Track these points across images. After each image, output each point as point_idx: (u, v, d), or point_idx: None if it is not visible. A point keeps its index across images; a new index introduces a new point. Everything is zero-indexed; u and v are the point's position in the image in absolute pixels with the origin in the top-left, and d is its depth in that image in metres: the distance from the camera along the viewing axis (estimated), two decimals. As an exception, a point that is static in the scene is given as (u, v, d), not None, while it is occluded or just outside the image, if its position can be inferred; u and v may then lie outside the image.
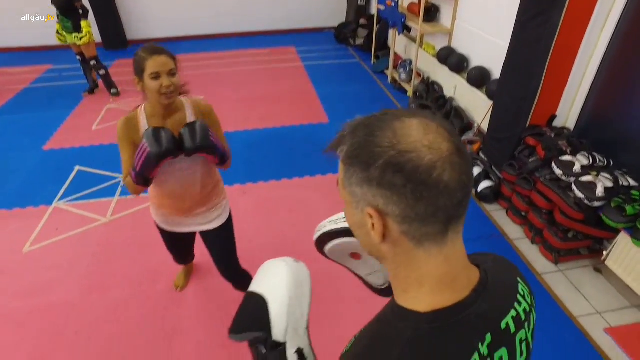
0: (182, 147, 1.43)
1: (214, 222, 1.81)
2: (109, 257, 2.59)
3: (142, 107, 1.54)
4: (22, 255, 2.61)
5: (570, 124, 2.78)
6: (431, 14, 4.19)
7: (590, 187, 2.24)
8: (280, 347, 0.73)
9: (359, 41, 6.16)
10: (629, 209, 2.08)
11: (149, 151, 1.36)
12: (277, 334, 0.73)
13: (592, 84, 2.60)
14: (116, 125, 1.53)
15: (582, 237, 2.41)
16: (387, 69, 5.20)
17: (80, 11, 4.20)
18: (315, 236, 0.90)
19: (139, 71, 1.43)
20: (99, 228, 2.82)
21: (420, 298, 0.56)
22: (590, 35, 2.49)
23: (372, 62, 5.65)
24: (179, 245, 2.06)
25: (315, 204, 3.00)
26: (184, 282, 2.38)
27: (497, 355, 0.57)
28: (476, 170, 3.13)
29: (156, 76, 1.41)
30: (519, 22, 2.55)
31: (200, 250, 2.64)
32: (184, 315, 2.21)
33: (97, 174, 3.38)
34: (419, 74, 4.51)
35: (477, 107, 3.50)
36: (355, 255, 0.89)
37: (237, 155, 3.55)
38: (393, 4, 4.36)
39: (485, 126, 3.29)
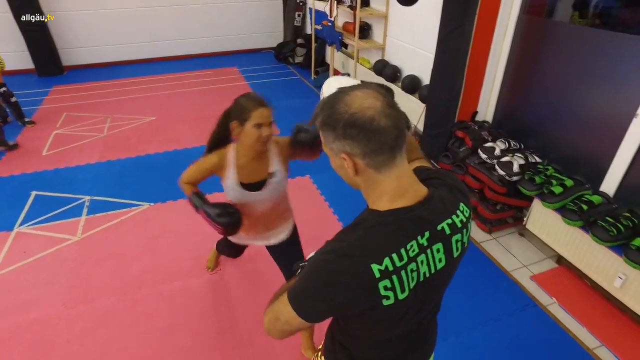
0: (297, 140, 1.65)
1: (278, 238, 1.92)
2: (88, 271, 2.66)
3: (234, 146, 1.67)
4: (-7, 279, 2.59)
5: (489, 117, 3.36)
6: (365, 31, 4.71)
7: (508, 166, 2.76)
8: None
9: (298, 59, 6.58)
10: (537, 179, 2.62)
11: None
12: None
13: (501, 84, 3.19)
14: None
15: (507, 208, 2.93)
16: (328, 83, 5.64)
17: None
18: None
19: (242, 118, 1.54)
20: (71, 246, 2.86)
21: (382, 204, 0.84)
22: (496, 44, 3.07)
23: (313, 77, 6.08)
24: (239, 248, 2.16)
25: (280, 205, 3.28)
26: (214, 264, 2.63)
27: (434, 247, 0.86)
28: (417, 164, 3.61)
29: (259, 126, 1.53)
30: (441, 35, 3.07)
31: (179, 251, 2.80)
32: (176, 312, 2.37)
33: (58, 197, 3.38)
34: (357, 86, 4.99)
35: (413, 110, 4.01)
36: None
37: (200, 167, 3.74)
38: (330, 24, 4.82)
39: (420, 127, 3.80)
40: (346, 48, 5.32)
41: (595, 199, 2.40)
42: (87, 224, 3.07)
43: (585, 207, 2.35)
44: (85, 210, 3.21)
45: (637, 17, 2.56)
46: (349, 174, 0.84)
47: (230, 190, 1.69)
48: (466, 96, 3.20)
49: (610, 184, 2.51)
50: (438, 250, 0.86)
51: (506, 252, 2.83)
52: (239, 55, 7.14)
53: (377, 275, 0.78)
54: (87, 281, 2.58)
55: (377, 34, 4.69)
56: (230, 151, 1.67)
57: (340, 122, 0.78)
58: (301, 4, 6.64)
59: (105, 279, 2.60)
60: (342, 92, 0.81)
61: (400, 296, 0.82)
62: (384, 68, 4.44)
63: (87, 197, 3.37)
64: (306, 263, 0.94)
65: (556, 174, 2.64)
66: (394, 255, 0.80)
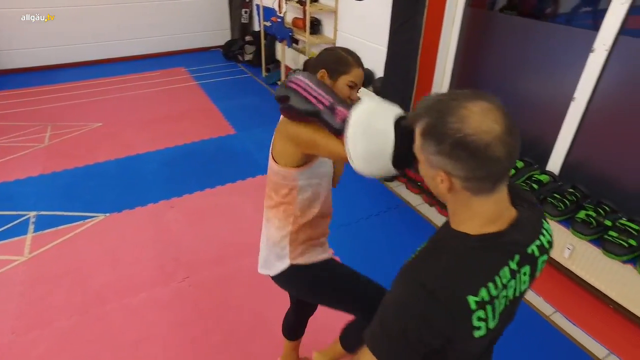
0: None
1: None
2: (41, 292, 2.47)
3: None
4: None
5: (441, 107, 3.49)
6: (315, 27, 4.71)
7: (463, 152, 2.89)
8: None
9: (248, 57, 6.48)
10: (491, 162, 2.76)
11: None
12: None
13: (452, 74, 3.32)
14: None
15: (464, 192, 3.07)
16: (280, 80, 5.61)
17: None
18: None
19: (337, 71, 1.27)
20: (18, 267, 2.65)
21: (472, 227, 0.76)
22: (445, 36, 3.19)
23: (264, 75, 6.01)
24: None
25: (240, 207, 3.23)
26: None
27: (522, 270, 0.79)
28: (376, 156, 3.69)
29: (352, 86, 1.28)
30: (392, 28, 3.15)
31: (141, 261, 2.68)
32: (146, 324, 2.27)
33: (-2, 215, 3.12)
34: (311, 81, 5.00)
35: (367, 103, 4.09)
36: None
37: (155, 173, 3.62)
38: (279, 20, 4.79)
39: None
40: (297, 44, 5.30)
41: (544, 177, 2.58)
42: (35, 241, 2.85)
43: (535, 186, 2.52)
44: (31, 227, 2.98)
45: (563, 8, 2.76)
46: (439, 189, 0.76)
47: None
48: (419, 86, 3.30)
49: (555, 163, 2.70)
50: (525, 274, 0.81)
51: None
52: (186, 55, 6.91)
53: (473, 307, 0.71)
54: (40, 303, 2.40)
55: (327, 29, 4.72)
56: None
57: (449, 138, 0.68)
58: (247, 0, 6.53)
59: (61, 298, 2.43)
60: (454, 99, 0.70)
61: (491, 325, 0.76)
62: (336, 63, 4.47)
63: (33, 213, 3.13)
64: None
65: (507, 157, 2.80)
66: (490, 284, 0.73)
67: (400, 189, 3.49)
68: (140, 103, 5.10)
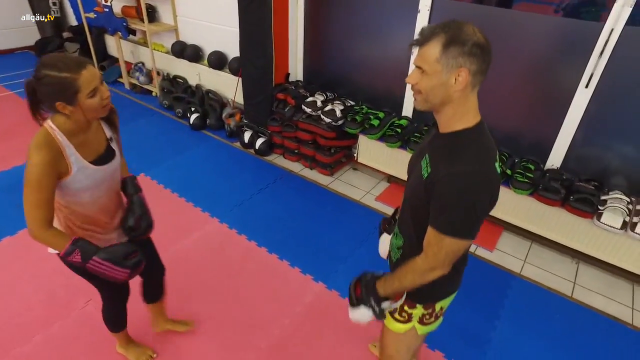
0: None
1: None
2: None
3: (51, 124, 1.24)
4: None
5: (300, 76, 3.72)
6: (150, 14, 4.39)
7: (332, 113, 3.18)
8: None
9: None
10: (358, 117, 3.11)
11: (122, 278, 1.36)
12: None
13: (304, 45, 3.55)
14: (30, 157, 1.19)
15: (339, 150, 3.39)
16: (121, 77, 5.11)
17: None
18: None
19: (70, 95, 1.18)
20: None
21: (468, 120, 1.02)
22: (292, 10, 3.38)
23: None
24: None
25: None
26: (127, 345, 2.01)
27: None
28: (247, 134, 3.74)
29: (94, 93, 1.21)
30: (241, 8, 3.19)
31: (23, 301, 2.29)
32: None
33: None
34: (158, 73, 4.69)
35: (226, 85, 4.07)
36: None
37: None
38: (106, 10, 4.32)
39: (238, 99, 3.91)
40: (135, 35, 4.88)
41: (403, 122, 3.03)
42: None
43: (399, 130, 2.96)
44: None
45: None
46: (449, 90, 0.97)
47: (80, 177, 1.32)
48: (278, 60, 3.45)
49: (407, 109, 3.20)
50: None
51: (350, 186, 3.32)
52: (-16, 63, 5.69)
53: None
54: None
55: (165, 15, 4.46)
56: (53, 132, 1.24)
57: (470, 41, 0.93)
58: (54, -10, 5.66)
59: None
60: (457, 21, 0.96)
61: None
62: (183, 50, 4.29)
63: None
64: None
65: (370, 111, 3.19)
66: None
67: (280, 160, 3.65)
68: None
